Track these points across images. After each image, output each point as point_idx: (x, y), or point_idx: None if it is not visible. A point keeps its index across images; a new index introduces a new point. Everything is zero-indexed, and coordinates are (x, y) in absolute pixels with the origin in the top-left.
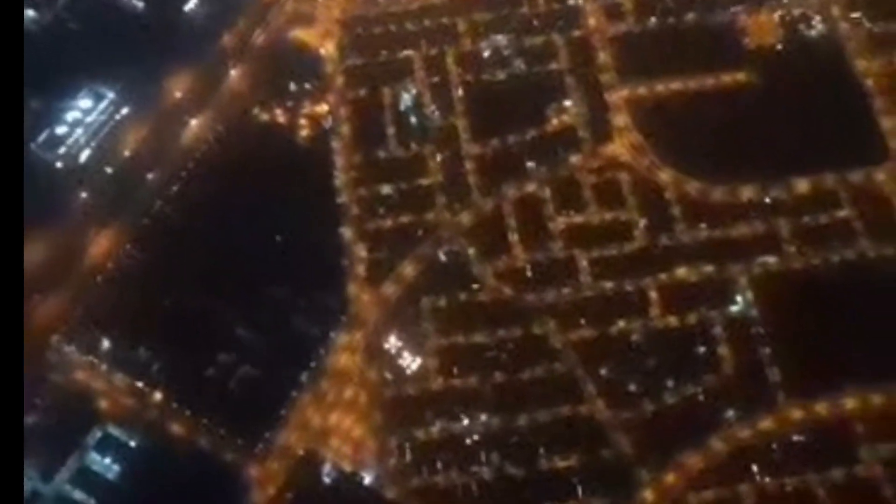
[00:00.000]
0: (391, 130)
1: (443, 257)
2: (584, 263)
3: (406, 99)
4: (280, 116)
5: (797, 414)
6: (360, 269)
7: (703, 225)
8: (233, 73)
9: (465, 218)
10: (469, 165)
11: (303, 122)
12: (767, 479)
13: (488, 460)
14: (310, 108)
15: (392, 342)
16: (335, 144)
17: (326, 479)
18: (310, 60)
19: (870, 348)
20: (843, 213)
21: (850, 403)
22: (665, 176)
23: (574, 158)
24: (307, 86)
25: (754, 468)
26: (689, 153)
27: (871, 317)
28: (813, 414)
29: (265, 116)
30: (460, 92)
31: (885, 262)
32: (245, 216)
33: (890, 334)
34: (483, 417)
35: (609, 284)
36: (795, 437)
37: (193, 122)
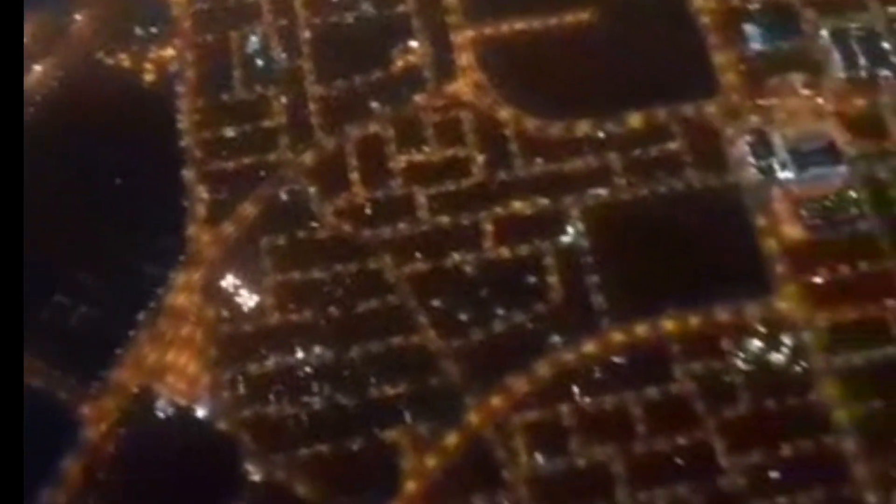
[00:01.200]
0: (237, 74)
1: (283, 197)
2: (422, 199)
3: (253, 42)
4: (125, 61)
5: (619, 337)
6: (201, 210)
7: (539, 160)
8: (77, 17)
9: (308, 158)
10: (313, 107)
11: (148, 66)
12: (587, 400)
13: (320, 391)
14: (156, 53)
15: (229, 280)
16: (180, 88)
17: (159, 414)
18: (156, 4)
19: (691, 273)
20: (673, 146)
21: (668, 325)
22: (505, 113)
23: (418, 98)
24: (153, 30)
25: (575, 389)
26: (531, 91)
27: (693, 243)
28: (633, 337)
29: (110, 61)
30: (308, 34)
31: (709, 192)
32: (86, 160)
33: (709, 259)
34: (317, 350)
35: (445, 219)
36: (616, 359)
37: (37, 68)
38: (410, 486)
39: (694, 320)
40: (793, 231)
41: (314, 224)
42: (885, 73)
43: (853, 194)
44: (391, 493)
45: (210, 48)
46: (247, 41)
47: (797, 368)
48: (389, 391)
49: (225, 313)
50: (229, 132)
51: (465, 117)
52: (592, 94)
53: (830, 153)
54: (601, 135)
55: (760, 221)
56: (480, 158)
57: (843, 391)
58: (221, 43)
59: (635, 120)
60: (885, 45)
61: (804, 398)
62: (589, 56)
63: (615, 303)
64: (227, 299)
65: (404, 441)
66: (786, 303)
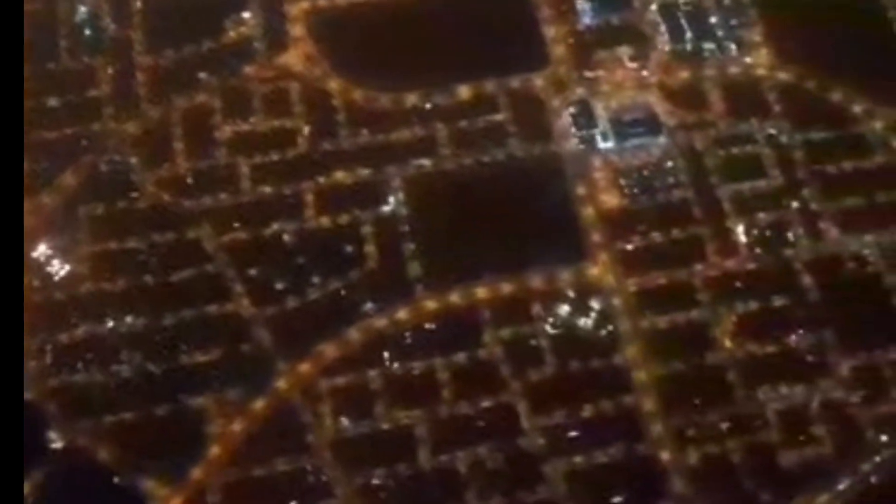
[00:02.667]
0: (64, 43)
1: (104, 167)
2: (245, 170)
3: (82, 11)
4: None
5: (432, 304)
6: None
7: (365, 131)
8: None
9: (131, 127)
10: (141, 77)
11: None
12: (396, 365)
13: (130, 359)
14: None
15: (41, 250)
16: None
17: None
18: None
19: (509, 241)
20: (499, 117)
21: (481, 293)
22: (334, 84)
23: (248, 69)
24: None
25: (386, 355)
26: (362, 63)
27: (513, 212)
28: (446, 303)
29: None
30: (139, 5)
31: (531, 161)
32: None
33: (528, 227)
34: (129, 319)
35: (267, 189)
36: (428, 325)
37: None
38: (215, 450)
39: (507, 287)
40: (610, 199)
41: (134, 194)
42: (709, 46)
43: (671, 164)
44: (195, 458)
45: (37, 17)
46: (75, 10)
47: (603, 332)
48: (200, 358)
49: (36, 282)
50: (52, 101)
51: (293, 88)
52: (424, 66)
53: (651, 124)
54: (428, 106)
55: (580, 190)
56: (306, 129)
57: (646, 353)
58: (49, 11)
59: (464, 91)
60: (712, 20)
61: (608, 360)
62: (422, 28)
63: (431, 270)
64: (38, 269)
65: (211, 407)
66: (598, 269)
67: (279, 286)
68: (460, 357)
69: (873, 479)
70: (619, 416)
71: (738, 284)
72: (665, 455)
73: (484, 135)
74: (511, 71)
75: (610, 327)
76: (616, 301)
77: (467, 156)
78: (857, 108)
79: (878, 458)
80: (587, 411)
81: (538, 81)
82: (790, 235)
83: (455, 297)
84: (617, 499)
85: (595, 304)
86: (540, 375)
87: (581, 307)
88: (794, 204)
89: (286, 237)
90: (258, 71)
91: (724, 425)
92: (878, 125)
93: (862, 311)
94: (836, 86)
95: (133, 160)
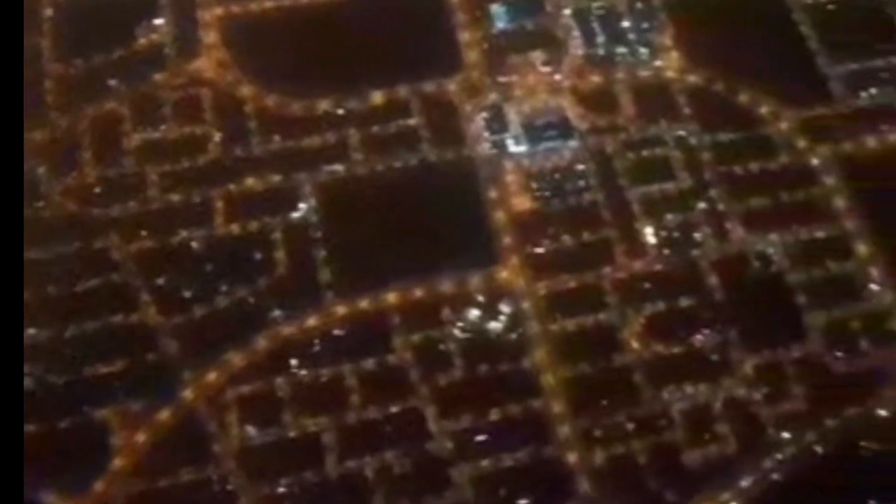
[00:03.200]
0: None
1: None
2: (153, 177)
3: None
4: None
5: (341, 310)
6: None
7: (276, 137)
8: None
9: (38, 136)
10: (49, 85)
11: None
12: (304, 372)
13: (31, 372)
14: None
15: None
16: None
17: None
18: None
19: (420, 246)
20: (412, 122)
21: (391, 298)
22: (246, 91)
23: (159, 76)
24: None
25: (294, 362)
26: (274, 69)
27: (425, 217)
28: (356, 310)
29: None
30: (49, 12)
31: (444, 165)
32: None
33: (440, 232)
34: (31, 331)
35: (176, 197)
36: (336, 332)
37: None
38: (118, 462)
39: (417, 292)
40: (522, 203)
41: (40, 204)
42: (621, 50)
43: (581, 167)
44: (98, 470)
45: None
46: None
47: (512, 335)
48: (103, 369)
49: None
50: None
51: (204, 95)
52: (336, 72)
53: (562, 128)
54: (341, 112)
55: (492, 194)
56: (217, 136)
57: (555, 356)
58: None
59: (377, 97)
60: (624, 24)
61: (517, 364)
62: (335, 34)
63: (341, 276)
64: None
65: (115, 419)
66: (508, 272)
67: (187, 294)
68: (369, 363)
69: (775, 476)
70: (527, 419)
71: (646, 286)
72: (572, 457)
73: (396, 140)
74: (425, 76)
75: (519, 331)
76: (526, 304)
77: (379, 161)
78: (763, 110)
79: (779, 456)
80: (495, 415)
81: (451, 86)
82: (697, 236)
83: (365, 303)
84: (523, 501)
85: (505, 308)
86: (449, 380)
87: (491, 311)
88: (702, 205)
89: (195, 245)
90: (169, 78)
91: (630, 426)
92: (783, 126)
93: (766, 310)
94: (744, 88)
95: (39, 170)
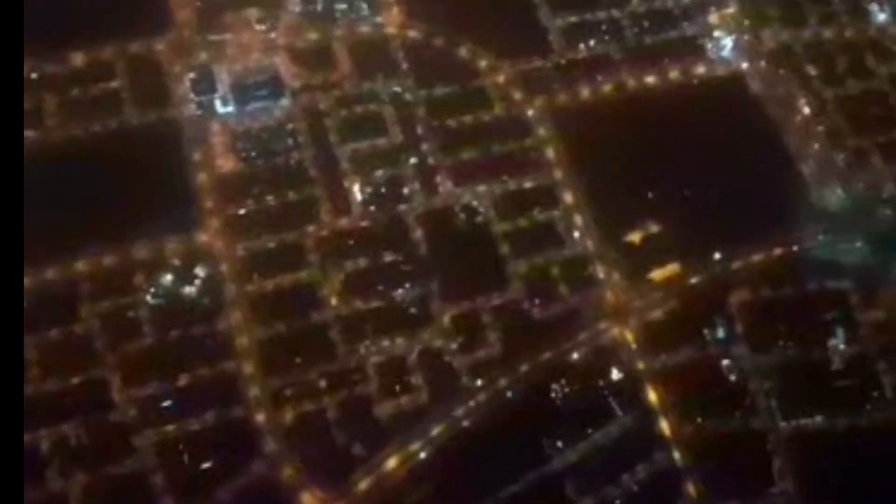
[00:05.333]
0: None
1: None
2: None
3: None
4: None
5: (27, 282)
6: None
7: None
8: None
9: None
10: None
11: None
12: None
13: None
14: None
15: None
16: None
17: None
18: None
19: (115, 213)
20: (115, 84)
21: (80, 266)
22: None
23: None
24: None
25: None
26: None
27: (126, 182)
28: (43, 281)
29: None
30: None
31: (147, 128)
32: None
33: (141, 196)
34: None
35: None
36: (25, 305)
37: None
38: None
39: (109, 260)
40: (226, 164)
41: None
42: (341, 6)
43: (291, 126)
44: None
45: None
46: None
47: (207, 299)
48: None
49: None
50: None
51: None
52: (35, 35)
53: (273, 87)
54: (35, 76)
55: (196, 156)
56: None
57: (250, 317)
58: None
59: (78, 59)
60: None
61: (211, 327)
62: None
63: (31, 250)
64: None
65: None
66: (207, 236)
67: None
68: (53, 333)
69: (465, 423)
70: (217, 382)
71: (349, 243)
72: (260, 417)
73: (97, 103)
74: (132, 36)
75: (215, 294)
76: (224, 267)
77: (77, 126)
78: (482, 63)
79: (471, 403)
80: (183, 380)
81: (159, 46)
82: (406, 191)
83: (52, 274)
84: (207, 464)
85: (201, 272)
86: (136, 347)
87: (186, 275)
88: (413, 160)
89: None
90: None
91: (323, 382)
92: (500, 79)
93: (469, 261)
94: (464, 42)
95: None
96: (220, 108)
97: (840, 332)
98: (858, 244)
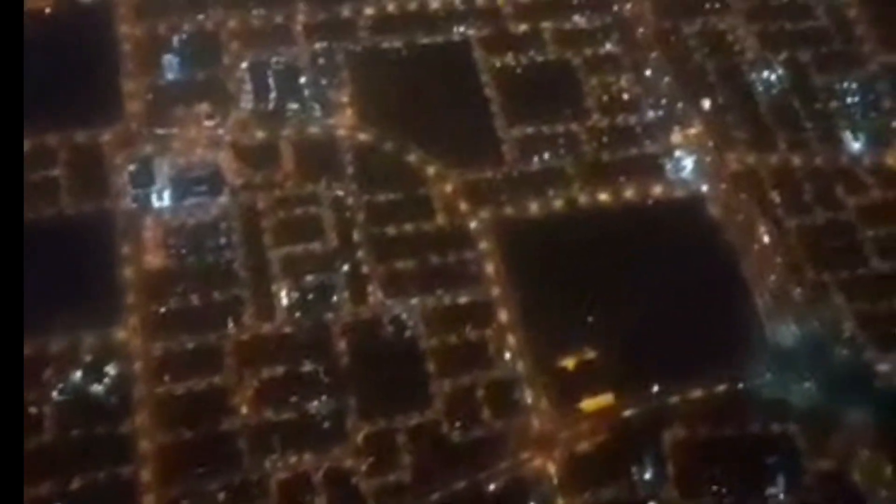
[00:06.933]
0: None
1: None
2: None
3: None
4: None
5: None
6: None
7: None
8: None
9: None
10: None
11: None
12: None
13: None
14: None
15: None
16: None
17: None
18: None
19: (38, 304)
20: (55, 172)
21: None
22: None
23: None
24: None
25: None
26: None
27: (50, 273)
28: None
29: None
30: None
31: (80, 219)
32: None
33: (62, 288)
34: None
35: None
36: None
37: None
38: None
39: (25, 350)
40: (154, 260)
41: None
42: (293, 106)
43: (226, 224)
44: None
45: None
46: None
47: (114, 399)
48: None
49: None
50: None
51: None
52: None
53: (213, 183)
54: None
55: (125, 250)
56: None
57: (156, 420)
58: None
59: (25, 145)
60: (302, 80)
61: (114, 428)
62: None
63: None
64: None
65: None
66: (125, 332)
67: None
68: None
69: None
70: (111, 487)
71: (269, 349)
72: None
73: (34, 190)
74: (80, 125)
75: (123, 393)
76: (137, 366)
77: None
78: (430, 171)
79: None
80: (76, 483)
81: (106, 136)
82: (334, 299)
83: None
84: None
85: (112, 370)
86: (34, 445)
87: (96, 372)
88: (345, 267)
89: None
90: None
91: (222, 495)
92: (447, 188)
93: (391, 377)
94: (414, 148)
95: None
96: (155, 202)
97: (782, 479)
98: (809, 385)
